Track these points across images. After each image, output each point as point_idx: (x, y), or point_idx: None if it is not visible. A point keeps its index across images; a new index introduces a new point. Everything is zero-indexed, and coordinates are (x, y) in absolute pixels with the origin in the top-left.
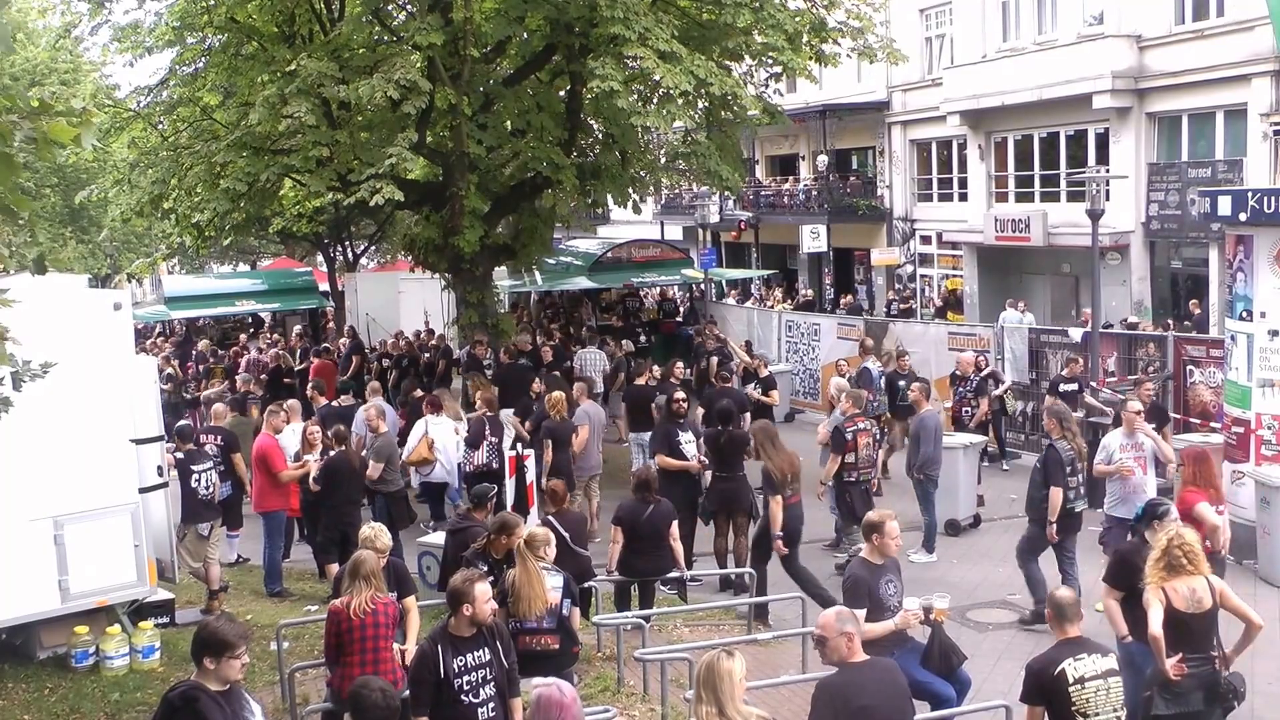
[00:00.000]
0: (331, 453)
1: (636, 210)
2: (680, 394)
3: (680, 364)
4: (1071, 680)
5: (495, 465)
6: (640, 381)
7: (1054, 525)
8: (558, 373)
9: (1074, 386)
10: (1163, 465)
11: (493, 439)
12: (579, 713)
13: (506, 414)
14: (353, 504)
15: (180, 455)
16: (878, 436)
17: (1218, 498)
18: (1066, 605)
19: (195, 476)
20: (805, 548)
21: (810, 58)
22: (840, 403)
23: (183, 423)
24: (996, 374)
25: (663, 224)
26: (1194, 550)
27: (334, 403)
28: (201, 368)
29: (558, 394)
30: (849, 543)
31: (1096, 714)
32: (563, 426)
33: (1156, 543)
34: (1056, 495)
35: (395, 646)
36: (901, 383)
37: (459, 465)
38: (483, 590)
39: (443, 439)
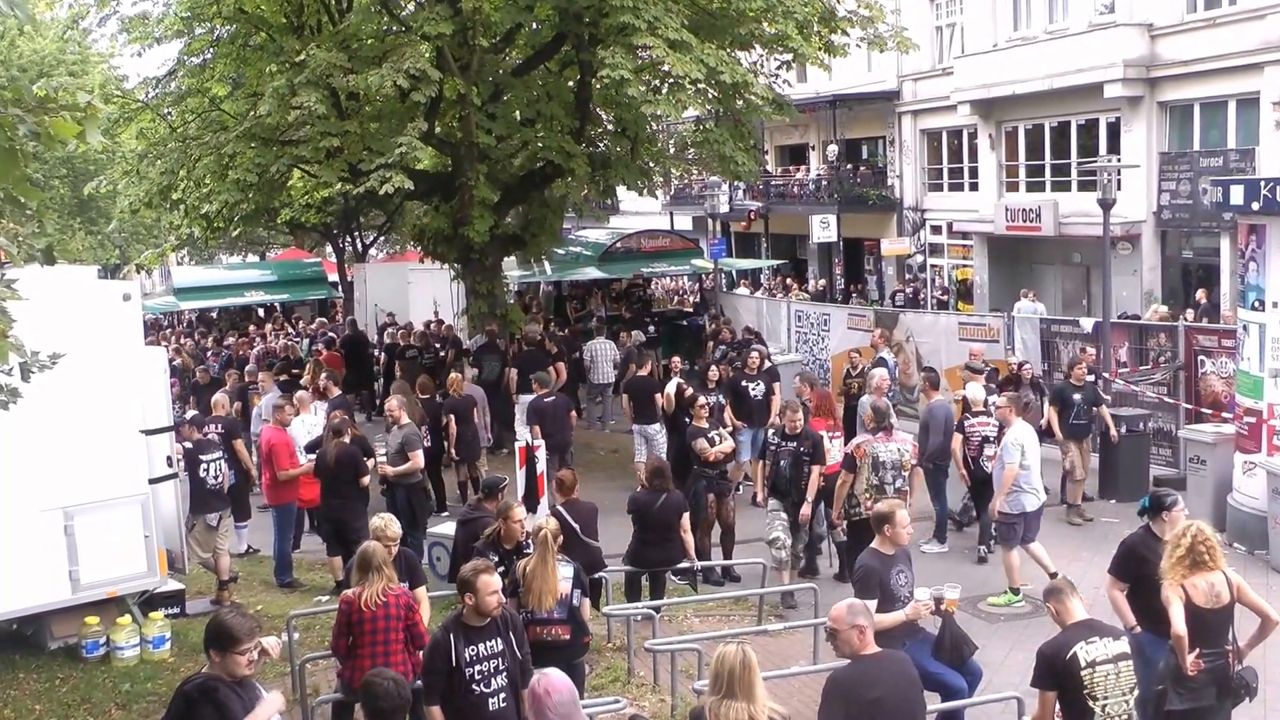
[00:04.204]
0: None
1: (652, 195)
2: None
3: (677, 359)
4: (1084, 664)
5: None
6: (643, 373)
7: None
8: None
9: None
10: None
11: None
12: (568, 699)
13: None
14: (337, 497)
15: (189, 445)
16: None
17: (834, 427)
18: (1059, 585)
19: (204, 466)
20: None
21: (820, 47)
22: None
23: (194, 413)
24: (1039, 382)
25: (672, 214)
26: (1214, 545)
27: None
28: (224, 351)
29: (455, 375)
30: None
31: (1107, 697)
32: (463, 402)
33: (1175, 538)
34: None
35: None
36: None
37: None
38: (486, 581)
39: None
